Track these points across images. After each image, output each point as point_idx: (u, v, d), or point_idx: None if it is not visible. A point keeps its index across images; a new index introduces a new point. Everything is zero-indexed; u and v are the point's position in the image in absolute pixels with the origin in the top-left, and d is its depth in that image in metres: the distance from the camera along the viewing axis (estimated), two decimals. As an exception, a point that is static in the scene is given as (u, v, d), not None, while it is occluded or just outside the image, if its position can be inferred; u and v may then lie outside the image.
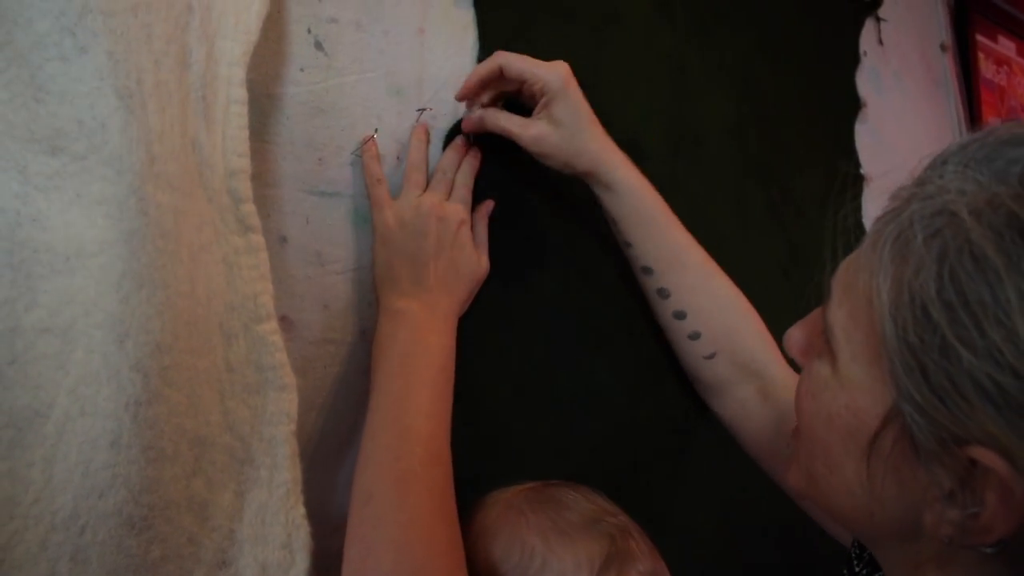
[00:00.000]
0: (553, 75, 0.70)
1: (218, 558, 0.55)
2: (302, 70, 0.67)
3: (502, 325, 0.78)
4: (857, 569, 0.60)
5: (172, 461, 0.52)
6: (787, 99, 1.11)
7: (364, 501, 0.57)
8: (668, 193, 0.78)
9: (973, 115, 1.54)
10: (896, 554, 0.49)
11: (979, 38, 1.59)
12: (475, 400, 0.74)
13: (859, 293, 0.45)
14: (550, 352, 0.81)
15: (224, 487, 0.56)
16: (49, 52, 0.47)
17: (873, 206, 1.17)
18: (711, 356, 0.78)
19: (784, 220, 1.07)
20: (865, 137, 1.24)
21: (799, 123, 1.12)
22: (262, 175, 0.64)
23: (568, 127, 0.71)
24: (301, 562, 0.58)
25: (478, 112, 0.73)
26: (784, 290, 1.04)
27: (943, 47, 1.50)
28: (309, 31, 0.67)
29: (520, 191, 0.80)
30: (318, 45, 0.68)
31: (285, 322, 0.65)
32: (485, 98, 0.73)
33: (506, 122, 0.72)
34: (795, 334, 0.55)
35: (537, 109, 0.72)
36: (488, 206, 0.76)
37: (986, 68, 1.61)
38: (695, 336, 0.78)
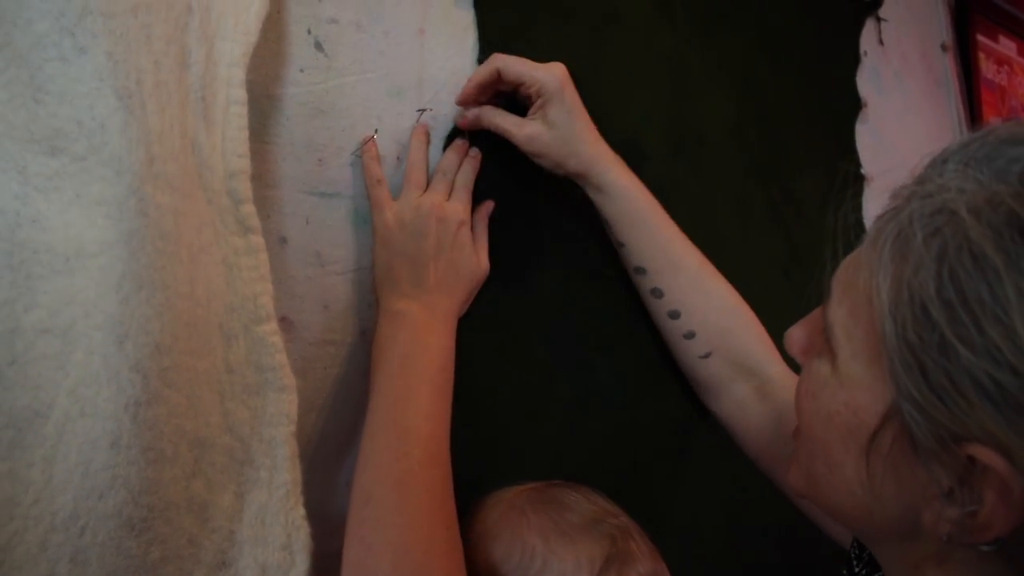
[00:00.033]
0: (550, 77, 0.70)
1: (218, 559, 0.55)
2: (302, 71, 0.67)
3: (502, 326, 0.78)
4: (857, 569, 0.60)
5: (172, 462, 0.52)
6: (788, 99, 1.11)
7: (363, 502, 0.57)
8: (668, 193, 0.78)
9: (974, 115, 1.54)
10: (895, 553, 0.49)
11: (980, 38, 1.59)
12: (475, 401, 0.74)
13: (859, 291, 0.45)
14: (550, 352, 0.81)
15: (224, 488, 0.56)
16: (48, 53, 0.47)
17: (874, 206, 1.17)
18: (706, 355, 0.78)
19: (785, 220, 1.07)
20: (866, 137, 1.24)
21: (800, 123, 1.12)
22: (262, 176, 0.64)
23: (562, 129, 0.72)
24: (301, 563, 0.58)
25: (474, 109, 0.73)
26: (785, 290, 1.04)
27: (944, 47, 1.50)
28: (309, 32, 0.67)
29: (520, 192, 0.80)
30: (318, 46, 0.68)
31: (285, 323, 0.65)
32: (483, 101, 0.74)
33: (501, 120, 0.73)
34: (795, 333, 0.55)
35: (533, 109, 0.73)
36: (488, 207, 0.76)
37: (987, 68, 1.61)
38: (690, 336, 0.78)
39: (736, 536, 0.96)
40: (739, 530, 0.96)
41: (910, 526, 0.45)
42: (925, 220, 0.42)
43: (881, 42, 1.31)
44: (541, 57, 0.73)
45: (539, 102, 0.71)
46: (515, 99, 0.75)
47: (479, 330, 0.75)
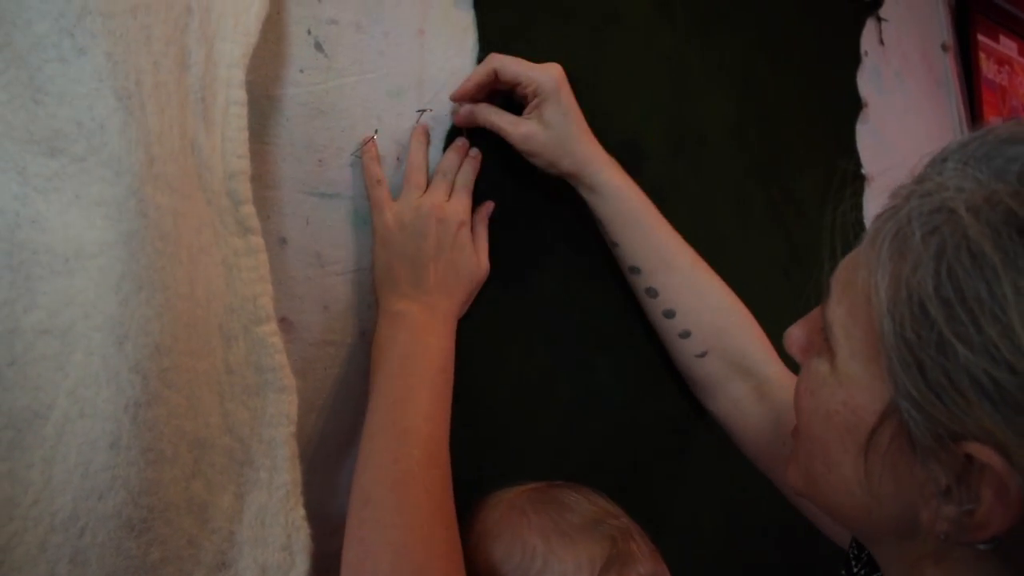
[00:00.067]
0: (546, 77, 0.71)
1: (218, 560, 0.55)
2: (302, 71, 0.67)
3: (502, 326, 0.78)
4: (855, 569, 0.60)
5: (172, 463, 0.52)
6: (788, 99, 1.11)
7: (363, 503, 0.57)
8: (668, 193, 0.78)
9: (974, 115, 1.54)
10: (893, 552, 0.49)
11: (980, 38, 1.59)
12: (475, 401, 0.74)
13: (858, 290, 0.45)
14: (550, 353, 0.81)
15: (224, 489, 0.56)
16: (48, 53, 0.48)
17: (874, 205, 1.17)
18: (702, 354, 0.78)
19: (785, 220, 1.07)
20: (866, 137, 1.24)
21: (800, 123, 1.12)
22: (262, 176, 0.64)
23: (557, 128, 0.72)
24: (301, 564, 0.58)
25: (468, 106, 0.74)
26: (785, 290, 1.03)
27: (944, 47, 1.50)
28: (309, 32, 0.67)
29: (520, 192, 0.80)
30: (318, 46, 0.68)
31: (285, 324, 0.65)
32: (480, 100, 0.74)
33: (496, 118, 0.73)
34: (795, 332, 0.55)
35: (528, 109, 0.73)
36: (488, 207, 0.76)
37: (987, 68, 1.61)
38: (685, 335, 0.78)
39: (736, 536, 0.96)
40: (739, 530, 0.96)
41: (908, 525, 0.45)
42: (924, 219, 0.42)
43: (882, 42, 1.31)
44: (541, 57, 0.73)
45: (535, 102, 0.72)
46: (511, 99, 0.75)
47: (479, 330, 0.75)
